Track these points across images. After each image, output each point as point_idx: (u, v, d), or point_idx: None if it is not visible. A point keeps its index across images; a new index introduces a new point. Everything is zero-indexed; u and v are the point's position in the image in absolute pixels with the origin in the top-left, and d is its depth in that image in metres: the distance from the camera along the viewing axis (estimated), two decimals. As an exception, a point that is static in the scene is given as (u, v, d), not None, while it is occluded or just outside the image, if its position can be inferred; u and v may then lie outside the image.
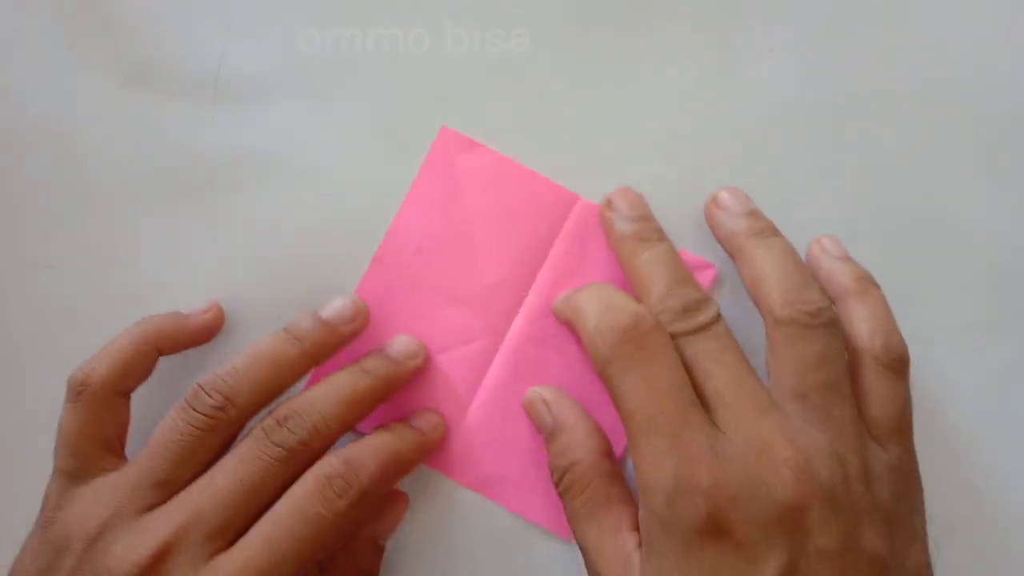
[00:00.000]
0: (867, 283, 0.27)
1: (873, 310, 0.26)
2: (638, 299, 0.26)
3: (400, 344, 0.29)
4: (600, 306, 0.25)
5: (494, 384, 0.29)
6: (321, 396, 0.26)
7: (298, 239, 0.31)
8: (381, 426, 0.28)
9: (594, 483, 0.25)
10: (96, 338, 0.28)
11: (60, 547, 0.24)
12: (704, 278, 0.29)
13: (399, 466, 0.27)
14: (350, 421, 0.26)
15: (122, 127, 0.31)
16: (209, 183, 0.31)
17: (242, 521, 0.24)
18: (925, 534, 0.25)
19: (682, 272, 0.26)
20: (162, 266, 0.31)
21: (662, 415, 0.23)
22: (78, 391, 0.26)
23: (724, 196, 0.28)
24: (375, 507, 0.28)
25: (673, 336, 0.25)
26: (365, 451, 0.26)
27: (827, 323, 0.24)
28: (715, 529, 0.22)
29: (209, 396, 0.25)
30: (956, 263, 0.30)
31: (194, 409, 0.25)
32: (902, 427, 0.25)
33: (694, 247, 0.30)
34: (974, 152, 0.31)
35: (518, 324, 0.30)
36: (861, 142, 0.31)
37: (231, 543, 0.24)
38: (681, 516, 0.22)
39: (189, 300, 0.29)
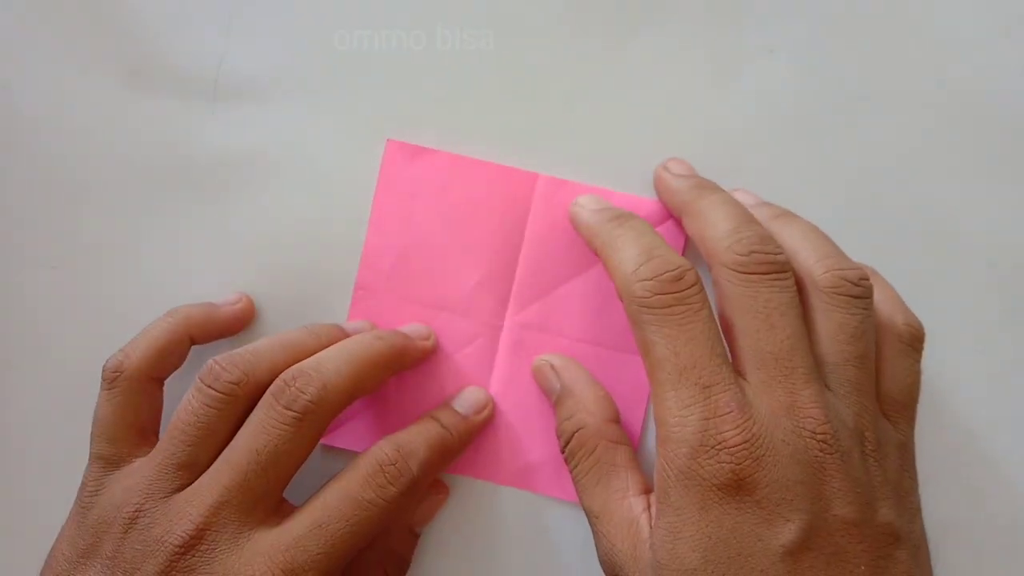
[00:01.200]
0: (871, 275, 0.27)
1: (885, 288, 0.27)
2: (702, 236, 0.25)
3: (410, 328, 0.29)
4: (641, 250, 0.24)
5: (502, 379, 0.30)
6: (330, 356, 0.26)
7: (298, 239, 0.31)
8: (428, 413, 0.28)
9: (600, 447, 0.25)
10: (96, 338, 0.28)
11: (99, 531, 0.24)
12: (679, 228, 0.29)
13: (448, 453, 0.27)
14: (360, 385, 0.26)
15: (122, 127, 0.31)
16: (209, 183, 0.31)
17: (271, 489, 0.24)
18: (920, 509, 0.25)
19: (748, 213, 0.25)
20: (162, 266, 0.31)
21: (694, 367, 0.23)
22: (113, 378, 0.26)
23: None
24: (418, 495, 0.28)
25: (741, 271, 0.24)
26: (416, 439, 0.26)
27: (867, 295, 0.24)
28: (737, 487, 0.22)
29: (225, 371, 0.25)
30: (956, 263, 0.30)
31: (210, 387, 0.25)
32: (912, 404, 0.26)
33: (693, 247, 0.30)
34: (974, 152, 0.31)
35: (511, 314, 0.30)
36: (861, 142, 0.31)
37: (270, 512, 0.24)
38: (704, 470, 0.22)
39: (189, 300, 0.29)
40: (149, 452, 0.26)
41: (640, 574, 0.23)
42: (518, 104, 0.31)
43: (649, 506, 0.24)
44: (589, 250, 0.28)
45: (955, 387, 0.30)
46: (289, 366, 0.25)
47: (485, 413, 0.29)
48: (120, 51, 0.31)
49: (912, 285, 0.30)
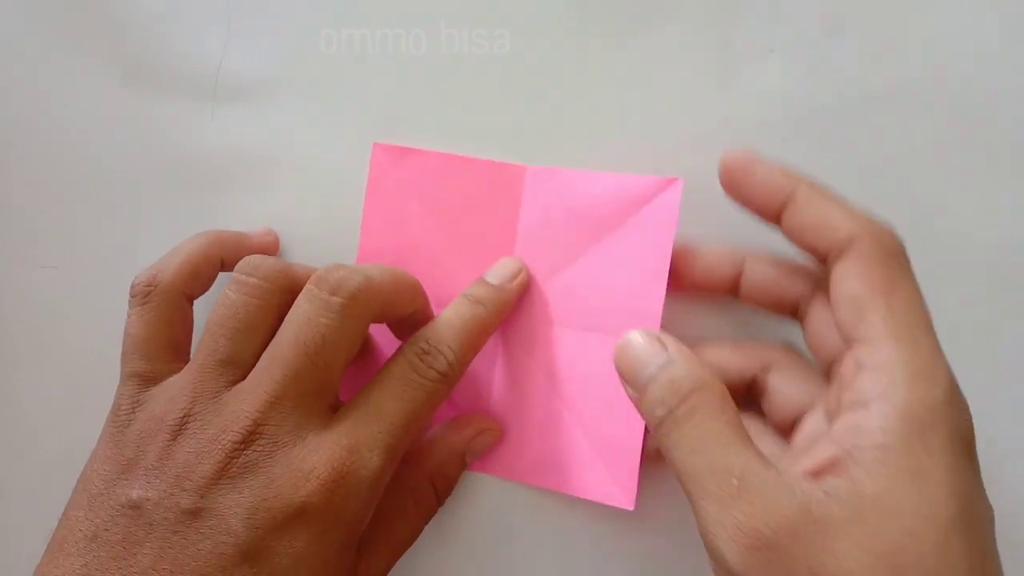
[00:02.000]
0: None
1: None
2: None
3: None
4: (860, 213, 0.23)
5: (505, 374, 0.30)
6: (367, 265, 0.26)
7: (298, 239, 0.31)
8: (461, 293, 0.28)
9: (731, 405, 0.22)
10: (96, 338, 0.28)
11: (141, 444, 0.23)
12: (671, 195, 0.29)
13: (483, 328, 0.27)
14: (396, 292, 0.26)
15: (122, 127, 0.31)
16: (209, 183, 0.31)
17: (326, 383, 0.24)
18: None
19: None
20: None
21: (921, 306, 0.22)
22: (146, 293, 0.25)
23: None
24: (468, 422, 0.29)
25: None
26: (444, 327, 0.26)
27: None
28: (970, 442, 0.21)
29: (266, 261, 0.25)
30: (956, 263, 0.30)
31: (250, 275, 0.25)
32: None
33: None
34: (974, 152, 0.31)
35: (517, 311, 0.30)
36: (861, 142, 0.31)
37: (328, 408, 0.24)
38: (959, 416, 0.21)
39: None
40: (183, 368, 0.25)
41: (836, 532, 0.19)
42: (518, 104, 0.31)
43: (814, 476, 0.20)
44: (583, 237, 0.29)
45: (955, 387, 0.30)
46: None
47: (519, 280, 0.29)
48: (120, 51, 0.31)
49: (912, 285, 0.30)
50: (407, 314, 0.27)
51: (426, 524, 0.28)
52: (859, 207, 0.23)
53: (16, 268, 0.31)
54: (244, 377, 0.24)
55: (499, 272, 0.29)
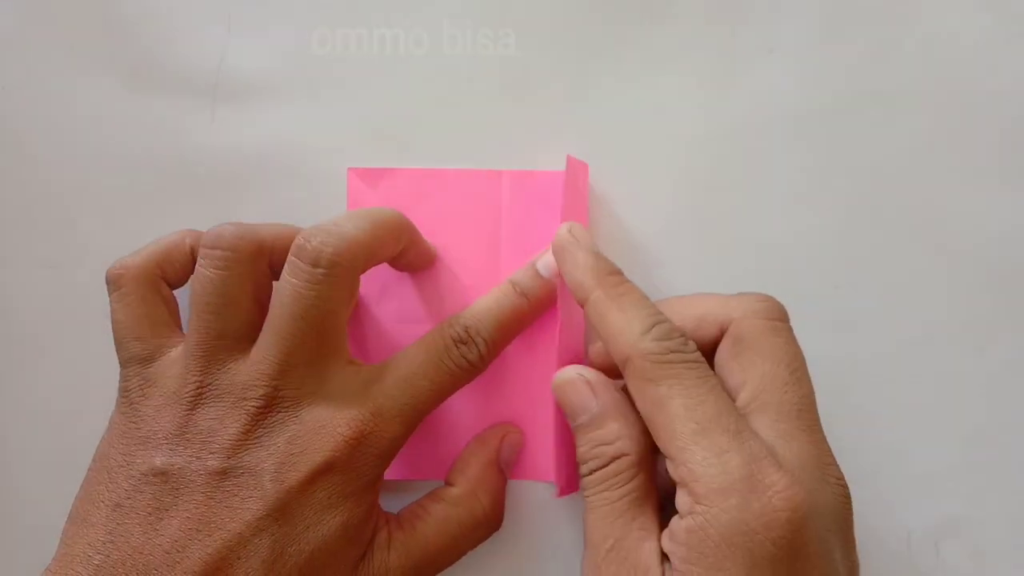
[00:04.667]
0: None
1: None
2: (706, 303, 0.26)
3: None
4: (650, 313, 0.24)
5: (507, 377, 0.30)
6: (344, 216, 0.26)
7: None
8: (508, 278, 0.28)
9: (638, 479, 0.24)
10: (96, 338, 0.28)
11: (158, 419, 0.24)
12: (580, 175, 0.30)
13: (522, 318, 0.28)
14: (379, 242, 0.26)
15: (122, 127, 0.31)
16: (208, 183, 0.31)
17: (332, 345, 0.25)
18: None
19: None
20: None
21: (720, 416, 0.22)
22: (118, 278, 0.26)
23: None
24: (496, 436, 0.29)
25: (770, 320, 0.24)
26: (484, 315, 0.27)
27: None
28: (790, 542, 0.20)
29: (226, 230, 0.25)
30: (956, 263, 0.30)
31: (214, 248, 0.25)
32: None
33: (693, 248, 0.30)
34: (974, 152, 0.31)
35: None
36: (861, 142, 0.31)
37: (343, 364, 0.25)
38: (757, 521, 0.20)
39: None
40: (180, 342, 0.26)
41: None
42: (517, 104, 0.31)
43: (663, 561, 0.22)
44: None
45: (955, 387, 0.30)
46: (293, 235, 0.25)
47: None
48: (120, 51, 0.31)
49: (912, 285, 0.30)
50: (394, 256, 0.27)
51: (483, 538, 0.28)
52: (642, 314, 0.24)
53: (16, 268, 0.31)
54: (243, 346, 0.25)
55: (549, 263, 0.28)
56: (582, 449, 0.25)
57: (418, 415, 0.25)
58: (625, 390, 0.25)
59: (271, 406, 0.24)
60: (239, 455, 0.23)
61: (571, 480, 0.28)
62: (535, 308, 0.28)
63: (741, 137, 0.31)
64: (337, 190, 0.31)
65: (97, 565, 0.22)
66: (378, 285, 0.30)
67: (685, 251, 0.30)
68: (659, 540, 0.23)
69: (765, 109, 0.31)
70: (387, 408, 0.25)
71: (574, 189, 0.29)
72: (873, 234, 0.30)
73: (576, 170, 0.29)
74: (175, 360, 0.25)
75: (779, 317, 0.24)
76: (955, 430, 0.30)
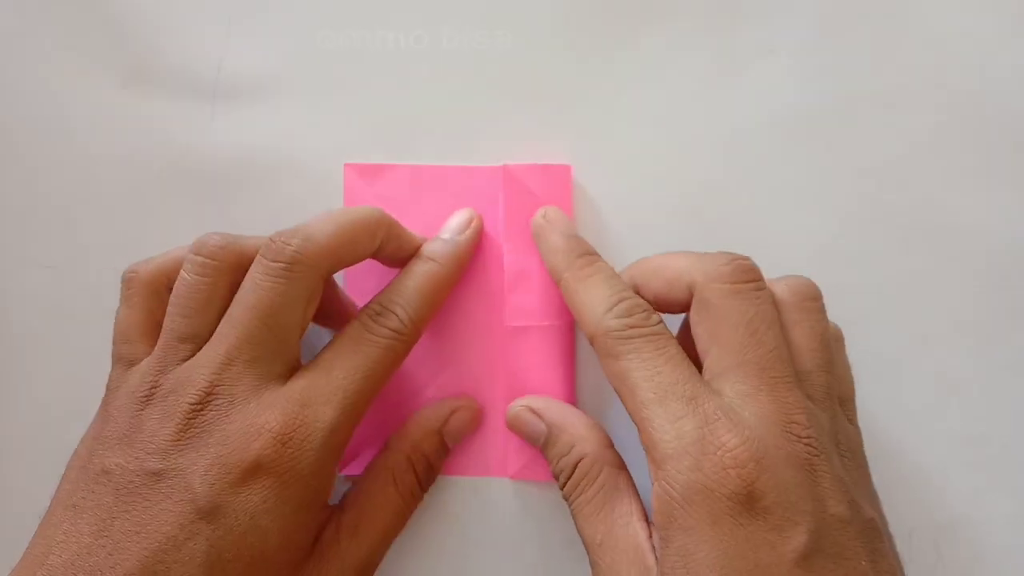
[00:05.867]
0: None
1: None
2: (669, 264, 0.26)
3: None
4: (613, 292, 0.26)
5: (509, 376, 0.29)
6: (314, 219, 0.26)
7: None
8: (417, 256, 0.28)
9: (604, 473, 0.25)
10: (96, 338, 0.28)
11: (118, 417, 0.25)
12: (562, 178, 0.30)
13: (439, 283, 0.28)
14: (345, 244, 0.26)
15: (122, 127, 0.31)
16: (209, 183, 0.31)
17: (280, 345, 0.25)
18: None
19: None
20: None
21: (676, 383, 0.23)
22: (126, 285, 0.27)
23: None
24: (443, 402, 0.29)
25: (729, 283, 0.25)
26: (396, 286, 0.27)
27: (823, 304, 0.26)
28: (745, 495, 0.21)
29: (211, 238, 0.26)
30: (956, 263, 0.30)
31: (197, 255, 0.26)
32: (853, 399, 0.27)
33: (693, 248, 0.30)
34: (974, 152, 0.31)
35: (508, 308, 0.29)
36: (861, 142, 0.31)
37: (288, 370, 0.25)
38: (710, 480, 0.21)
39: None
40: None
41: None
42: (517, 104, 0.31)
43: (651, 535, 0.23)
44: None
45: (955, 387, 0.30)
46: None
47: (472, 228, 0.29)
48: (120, 51, 0.31)
49: (912, 285, 0.30)
50: (371, 253, 0.27)
51: (411, 510, 0.28)
52: (603, 294, 0.26)
53: (16, 268, 0.31)
54: (201, 348, 0.25)
55: (450, 226, 0.29)
56: (551, 467, 0.27)
57: (352, 398, 0.25)
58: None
59: (205, 404, 0.24)
60: (173, 456, 0.23)
61: (525, 468, 0.29)
62: (448, 268, 0.28)
63: (741, 137, 0.31)
64: (337, 189, 0.31)
65: (51, 565, 0.22)
66: (373, 280, 0.30)
67: (684, 250, 0.30)
68: (644, 519, 0.24)
69: (765, 109, 0.31)
70: (314, 397, 0.24)
71: (518, 195, 0.29)
72: (873, 234, 0.30)
73: (528, 175, 0.30)
74: (146, 362, 0.25)
75: (742, 279, 0.25)
76: (955, 430, 0.30)
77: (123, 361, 0.26)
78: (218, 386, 0.24)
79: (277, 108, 0.31)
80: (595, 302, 0.25)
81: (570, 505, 0.26)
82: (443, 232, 0.29)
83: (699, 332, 0.25)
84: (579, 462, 0.26)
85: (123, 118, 0.31)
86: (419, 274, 0.28)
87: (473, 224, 0.29)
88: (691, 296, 0.25)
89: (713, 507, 0.21)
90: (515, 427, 0.28)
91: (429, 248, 0.28)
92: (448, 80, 0.31)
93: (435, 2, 0.31)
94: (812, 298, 0.26)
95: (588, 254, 0.27)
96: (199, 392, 0.24)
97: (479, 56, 0.31)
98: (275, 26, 0.31)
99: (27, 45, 0.31)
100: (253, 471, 0.23)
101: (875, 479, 0.25)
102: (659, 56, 0.31)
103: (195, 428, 0.23)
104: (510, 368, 0.29)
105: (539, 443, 0.28)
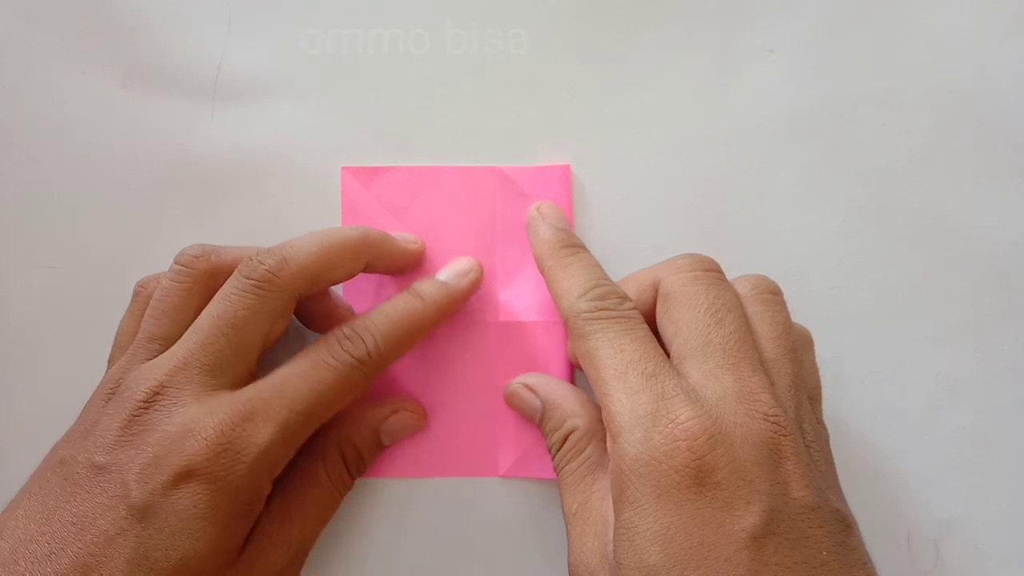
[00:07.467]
0: None
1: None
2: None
3: (399, 234, 0.30)
4: (589, 278, 0.26)
5: (504, 372, 0.30)
6: (298, 238, 0.26)
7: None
8: (407, 290, 0.28)
9: (592, 446, 0.26)
10: (96, 338, 0.28)
11: (88, 414, 0.25)
12: (561, 177, 0.30)
13: (418, 323, 0.27)
14: (325, 266, 0.26)
15: (122, 127, 0.31)
16: (209, 183, 0.31)
17: (236, 356, 0.25)
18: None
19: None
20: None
21: (639, 361, 0.23)
22: (135, 293, 0.28)
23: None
24: (387, 400, 0.29)
25: (690, 271, 0.25)
26: (376, 315, 0.27)
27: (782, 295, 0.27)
28: (695, 470, 0.21)
29: (191, 248, 0.27)
30: (956, 263, 0.30)
31: (175, 263, 0.26)
32: (820, 398, 0.27)
33: (693, 248, 0.30)
34: (974, 152, 0.31)
35: (501, 307, 0.30)
36: (861, 143, 0.31)
37: (239, 380, 0.25)
38: (659, 451, 0.21)
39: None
40: None
41: None
42: (517, 104, 0.31)
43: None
44: None
45: (955, 387, 0.30)
46: None
47: (470, 278, 0.29)
48: (120, 51, 0.31)
49: (912, 285, 0.30)
50: (357, 273, 0.28)
51: (342, 496, 0.28)
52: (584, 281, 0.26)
53: (16, 268, 0.31)
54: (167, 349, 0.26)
55: (449, 268, 0.29)
56: (548, 440, 0.27)
57: (296, 420, 0.24)
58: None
59: (151, 404, 0.24)
60: (115, 451, 0.23)
61: (517, 464, 0.29)
62: (432, 310, 0.28)
63: (741, 137, 0.31)
64: (336, 190, 0.31)
65: (2, 550, 0.23)
66: (374, 283, 0.30)
67: (685, 250, 0.30)
68: None
69: (765, 109, 0.31)
70: (259, 412, 0.24)
71: (512, 197, 0.30)
72: (873, 234, 0.30)
73: (524, 177, 0.30)
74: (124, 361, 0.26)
75: (702, 268, 0.25)
76: (955, 430, 0.30)
77: (112, 365, 0.27)
78: (167, 387, 0.24)
79: (277, 108, 0.31)
80: (572, 287, 0.26)
81: (558, 474, 0.26)
82: (441, 273, 0.29)
83: (664, 322, 0.25)
84: (570, 435, 0.26)
85: (123, 118, 0.31)
86: (401, 308, 0.27)
87: (472, 274, 0.29)
88: (657, 296, 0.26)
89: (660, 480, 0.21)
90: (512, 403, 0.29)
91: (420, 286, 0.28)
92: (448, 80, 0.31)
93: (435, 3, 0.31)
94: (772, 292, 0.26)
95: (573, 245, 0.28)
96: (148, 391, 0.24)
97: (479, 56, 0.31)
98: (275, 27, 0.31)
99: (28, 45, 0.31)
100: (185, 475, 0.23)
101: (875, 479, 0.25)
102: (659, 56, 0.31)
103: (138, 425, 0.24)
104: (502, 364, 0.30)
105: (535, 419, 0.28)
